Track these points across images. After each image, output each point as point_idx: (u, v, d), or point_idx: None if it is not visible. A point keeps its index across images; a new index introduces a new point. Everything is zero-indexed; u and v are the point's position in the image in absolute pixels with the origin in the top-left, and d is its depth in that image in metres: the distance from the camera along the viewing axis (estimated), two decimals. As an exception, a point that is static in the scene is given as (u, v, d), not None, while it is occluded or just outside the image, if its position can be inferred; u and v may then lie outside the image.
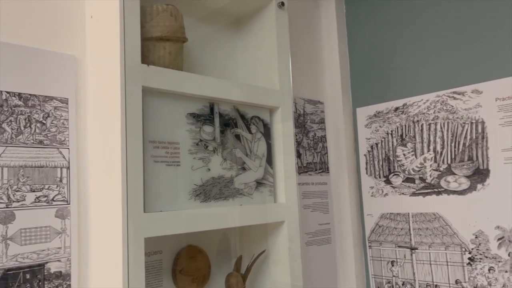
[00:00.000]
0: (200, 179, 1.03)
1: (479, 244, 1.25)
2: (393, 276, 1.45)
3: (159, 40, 1.00)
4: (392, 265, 1.46)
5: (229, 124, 1.12)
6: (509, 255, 1.19)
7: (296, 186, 1.23)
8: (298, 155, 1.46)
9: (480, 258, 1.25)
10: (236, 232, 1.27)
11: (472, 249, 1.27)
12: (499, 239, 1.22)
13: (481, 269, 1.25)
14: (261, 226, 1.23)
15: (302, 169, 1.47)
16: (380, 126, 1.51)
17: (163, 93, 0.98)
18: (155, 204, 0.94)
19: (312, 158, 1.51)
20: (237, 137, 1.13)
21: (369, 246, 1.52)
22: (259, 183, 1.16)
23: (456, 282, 1.30)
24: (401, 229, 1.43)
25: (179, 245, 1.11)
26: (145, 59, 0.99)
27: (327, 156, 1.57)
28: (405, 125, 1.44)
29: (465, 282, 1.28)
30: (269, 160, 1.20)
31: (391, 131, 1.48)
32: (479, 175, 1.26)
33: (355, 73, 1.60)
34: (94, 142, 0.97)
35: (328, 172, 1.57)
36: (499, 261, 1.21)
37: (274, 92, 1.20)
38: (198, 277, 1.10)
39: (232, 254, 1.24)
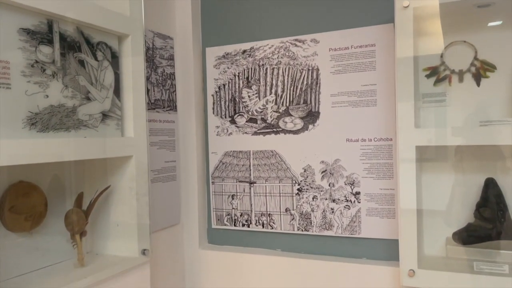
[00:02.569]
0: (37, 106, 0.91)
1: (307, 176, 1.44)
2: (233, 208, 1.57)
3: None
4: (233, 199, 1.57)
5: (72, 47, 1.00)
6: (329, 185, 1.40)
7: (146, 121, 1.19)
8: (146, 91, 1.41)
9: (307, 189, 1.44)
10: (77, 167, 1.18)
11: (301, 181, 1.45)
12: (322, 172, 1.41)
13: (306, 198, 1.44)
14: (106, 161, 1.17)
15: (150, 105, 1.43)
16: (228, 68, 1.56)
17: (-12, -1, 0.81)
18: (-20, 131, 0.80)
19: (160, 95, 1.48)
20: (81, 63, 1.03)
21: (212, 182, 1.60)
22: (105, 115, 1.09)
23: (286, 210, 1.47)
24: (243, 165, 1.54)
25: (7, 181, 0.98)
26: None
27: (175, 94, 1.55)
28: (251, 68, 1.52)
29: (293, 209, 1.46)
30: (117, 92, 1.13)
31: (238, 73, 1.54)
32: (311, 117, 1.43)
33: (206, 12, 1.59)
34: None
35: (176, 111, 1.56)
36: (321, 191, 1.42)
37: (123, 18, 1.12)
38: (32, 214, 1.00)
39: (73, 190, 1.15)
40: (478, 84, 1.20)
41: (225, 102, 1.57)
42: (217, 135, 1.59)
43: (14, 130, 0.86)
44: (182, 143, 1.59)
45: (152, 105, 1.44)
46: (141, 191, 1.16)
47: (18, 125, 0.87)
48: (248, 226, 1.54)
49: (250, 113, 1.52)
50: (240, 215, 1.55)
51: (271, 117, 1.49)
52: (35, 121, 0.90)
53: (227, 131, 1.56)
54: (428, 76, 1.26)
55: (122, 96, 1.15)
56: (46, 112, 0.93)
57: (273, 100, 1.48)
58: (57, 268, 1.05)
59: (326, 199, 1.41)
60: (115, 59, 1.12)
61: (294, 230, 1.46)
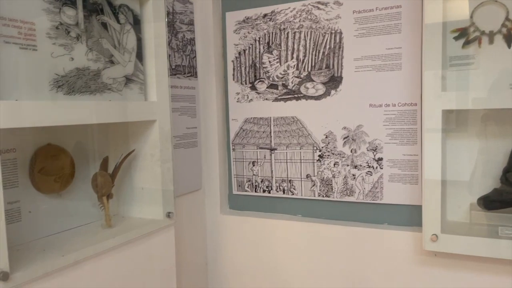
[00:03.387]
0: (63, 68, 0.92)
1: (328, 143, 1.43)
2: (253, 175, 1.58)
3: None
4: (253, 165, 1.57)
5: (94, 10, 0.99)
6: (351, 151, 1.40)
7: (168, 86, 1.19)
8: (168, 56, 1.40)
9: (328, 155, 1.43)
10: (102, 131, 1.19)
11: (322, 147, 1.44)
12: (344, 138, 1.40)
13: (328, 164, 1.44)
14: (130, 125, 1.18)
15: (171, 71, 1.42)
16: (248, 32, 1.53)
17: (12, -42, 0.80)
18: (10, 92, 0.81)
19: (181, 61, 1.47)
20: (104, 26, 1.02)
21: (233, 149, 1.61)
22: (128, 79, 1.09)
23: (307, 176, 1.47)
24: (263, 132, 1.54)
25: (36, 144, 1.00)
26: None
27: (195, 60, 1.54)
28: (272, 33, 1.49)
29: (314, 176, 1.46)
30: (139, 56, 1.13)
31: (259, 38, 1.51)
32: (334, 82, 1.40)
33: (226, -25, 1.56)
34: None
35: (196, 77, 1.55)
36: (343, 157, 1.41)
37: (145, -20, 1.10)
38: (61, 176, 1.02)
39: (98, 154, 1.17)
40: (509, 46, 1.16)
41: (245, 68, 1.55)
42: (237, 101, 1.58)
43: (41, 93, 0.87)
44: (202, 109, 1.59)
45: (173, 71, 1.43)
46: (164, 156, 1.18)
47: (45, 88, 0.88)
48: (269, 192, 1.55)
49: (270, 79, 1.51)
50: (261, 181, 1.56)
51: (292, 83, 1.47)
52: (62, 83, 0.91)
53: (248, 97, 1.55)
54: (456, 38, 1.22)
55: (144, 61, 1.15)
56: (72, 75, 0.93)
57: (294, 65, 1.46)
58: (85, 229, 1.08)
59: (348, 165, 1.40)
60: (137, 22, 1.11)
61: (314, 196, 1.47)
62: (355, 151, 1.39)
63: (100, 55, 1.00)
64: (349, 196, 1.41)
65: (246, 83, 1.55)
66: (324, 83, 1.42)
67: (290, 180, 1.51)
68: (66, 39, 0.92)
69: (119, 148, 1.19)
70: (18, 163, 0.96)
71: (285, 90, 1.48)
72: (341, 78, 1.39)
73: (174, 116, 1.44)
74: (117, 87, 1.05)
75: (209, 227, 1.63)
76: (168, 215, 1.17)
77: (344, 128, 1.40)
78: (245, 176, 1.60)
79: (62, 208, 1.06)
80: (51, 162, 1.00)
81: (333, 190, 1.43)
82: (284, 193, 1.52)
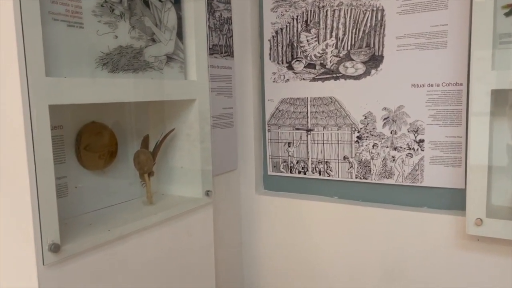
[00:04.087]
0: (107, 46, 0.92)
1: (367, 124, 1.40)
2: (289, 156, 1.57)
3: None
4: (289, 146, 1.56)
5: (137, -13, 0.99)
6: (391, 133, 1.36)
7: (207, 65, 1.19)
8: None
9: (367, 136, 1.41)
10: (142, 109, 1.21)
11: (361, 128, 1.41)
12: (384, 119, 1.37)
13: (366, 145, 1.41)
14: (169, 104, 1.19)
15: (208, 50, 1.42)
16: (286, 11, 1.50)
17: None
18: (58, 69, 0.82)
19: (218, 40, 1.46)
20: (146, 3, 1.02)
21: (268, 129, 1.60)
22: (169, 58, 1.09)
23: (344, 158, 1.45)
24: (299, 112, 1.52)
25: (81, 121, 1.02)
26: None
27: (232, 40, 1.53)
28: (311, 11, 1.46)
29: (351, 157, 1.44)
30: (179, 35, 1.12)
31: (297, 16, 1.48)
32: (374, 61, 1.37)
33: (264, -48, 1.53)
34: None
35: (233, 57, 1.54)
36: (382, 138, 1.38)
37: (186, -43, 1.09)
38: (105, 153, 1.04)
39: (138, 132, 1.19)
40: None
41: (282, 47, 1.53)
42: (273, 81, 1.56)
43: (88, 70, 0.88)
44: (239, 89, 1.58)
45: (210, 51, 1.43)
46: (203, 136, 1.18)
47: (91, 65, 0.89)
48: (305, 174, 1.54)
49: (308, 58, 1.48)
50: (296, 163, 1.55)
51: (330, 62, 1.44)
52: (106, 61, 0.92)
53: (284, 77, 1.54)
54: (507, 15, 1.15)
55: (184, 40, 1.14)
56: (116, 53, 0.94)
57: (333, 44, 1.43)
58: (128, 206, 1.10)
59: (387, 147, 1.37)
60: (177, 2, 1.11)
61: (352, 178, 1.45)
62: (395, 133, 1.36)
63: (142, 33, 1.01)
64: (387, 178, 1.39)
65: (282, 63, 1.53)
66: (364, 62, 1.38)
67: (326, 162, 1.49)
68: (110, 17, 0.93)
69: (159, 127, 1.20)
70: (64, 139, 0.98)
71: (323, 70, 1.46)
72: (382, 57, 1.35)
73: (211, 96, 1.44)
74: (158, 66, 1.06)
75: (244, 207, 1.64)
76: (207, 193, 1.18)
77: (384, 108, 1.37)
78: (280, 157, 1.59)
79: (106, 184, 1.08)
80: (95, 139, 1.02)
81: (371, 172, 1.41)
82: (320, 174, 1.51)
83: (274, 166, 1.61)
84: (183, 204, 1.13)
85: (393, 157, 1.37)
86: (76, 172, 1.01)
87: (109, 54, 0.92)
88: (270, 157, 1.61)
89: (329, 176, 1.49)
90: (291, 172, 1.58)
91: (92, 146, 1.01)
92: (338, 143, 1.46)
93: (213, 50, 1.44)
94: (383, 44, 1.35)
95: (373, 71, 1.37)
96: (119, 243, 0.92)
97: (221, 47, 1.48)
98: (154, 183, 1.24)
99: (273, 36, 1.54)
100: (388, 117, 1.36)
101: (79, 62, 0.86)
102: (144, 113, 1.20)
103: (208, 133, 1.20)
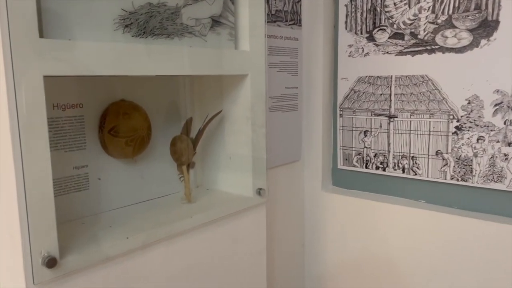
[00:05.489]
0: (131, 3, 0.72)
1: (471, 110, 1.08)
2: (365, 147, 1.29)
3: None
4: (365, 136, 1.28)
5: None
6: (504, 123, 1.03)
7: (265, 33, 0.95)
8: (266, -2, 1.15)
9: (470, 127, 1.08)
10: (185, 86, 1.00)
11: (462, 116, 1.09)
12: (496, 105, 1.04)
13: (468, 139, 1.09)
14: (216, 80, 0.97)
15: (270, 17, 1.18)
16: (368, -33, 1.21)
17: None
18: (60, 29, 0.63)
19: (283, 6, 1.21)
20: (186, -50, 0.80)
21: (340, 114, 1.33)
22: (215, 22, 0.87)
23: (437, 153, 1.15)
24: (381, 94, 1.23)
25: (107, 99, 0.84)
26: None
27: (300, 5, 1.27)
28: (401, -35, 1.15)
29: (447, 153, 1.13)
30: (230, -8, 0.89)
31: (382, -27, 1.18)
32: (486, 28, 1.03)
33: None
34: None
35: (300, 26, 1.29)
36: (491, 130, 1.05)
37: None
38: (134, 139, 0.85)
39: (179, 114, 0.99)
40: None
41: (362, 13, 1.24)
42: (349, 56, 1.28)
43: (103, 32, 0.68)
44: (306, 65, 1.32)
45: (272, 17, 1.18)
46: (257, 119, 0.95)
47: (109, 26, 0.69)
48: (384, 170, 1.26)
49: (395, 26, 1.18)
50: (374, 156, 1.27)
51: (424, 31, 1.13)
52: (130, 22, 0.72)
53: (363, 50, 1.25)
54: None
55: (236, 0, 0.91)
56: (143, 12, 0.74)
57: (429, 8, 1.11)
58: (161, 202, 0.92)
59: (498, 141, 1.04)
60: None
61: (445, 179, 1.14)
62: (511, 123, 1.02)
63: (180, -12, 0.79)
64: (496, 182, 1.06)
65: (361, 33, 1.25)
66: (471, 30, 1.06)
67: (412, 157, 1.19)
68: (136, -36, 0.72)
69: (204, 107, 1.00)
70: (85, 121, 0.81)
71: (413, 41, 1.15)
72: (496, 22, 1.01)
73: (271, 72, 1.20)
74: (200, 31, 0.84)
75: (307, 205, 1.40)
76: (259, 192, 0.96)
77: (497, 91, 1.03)
78: (353, 148, 1.32)
79: (136, 176, 0.90)
80: (123, 122, 0.84)
81: (473, 173, 1.09)
82: (403, 172, 1.22)
83: (346, 159, 1.34)
84: (228, 203, 0.91)
85: (505, 155, 1.04)
86: (100, 161, 0.84)
87: (134, 13, 0.72)
88: (341, 147, 1.34)
89: (416, 174, 1.19)
90: (366, 167, 1.30)
91: (119, 130, 0.83)
92: (429, 134, 1.16)
93: (276, 17, 1.19)
94: (499, 4, 1.01)
95: (483, 41, 1.04)
96: (140, 253, 0.73)
97: (286, 13, 1.23)
98: (198, 174, 1.04)
99: (350, 0, 1.25)
100: (501, 103, 1.03)
101: (92, 21, 0.67)
102: (185, 90, 1.00)
103: (263, 117, 0.97)
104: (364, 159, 1.30)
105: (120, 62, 0.69)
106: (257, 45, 0.94)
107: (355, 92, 1.29)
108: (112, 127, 0.82)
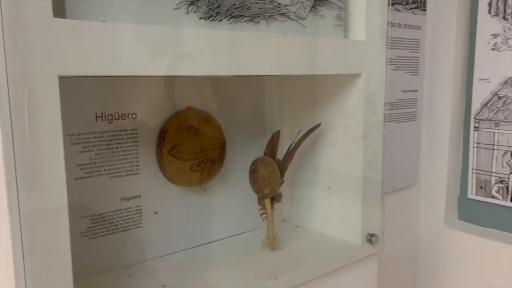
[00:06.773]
0: (200, -29, 0.49)
1: None
2: (511, 172, 0.95)
3: None
4: (511, 157, 0.95)
5: None
6: None
7: (388, 15, 0.68)
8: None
9: None
10: (271, 88, 0.77)
11: None
12: None
13: None
14: (311, 80, 0.72)
15: (386, -2, 0.90)
16: None
17: None
18: (90, 5, 0.42)
19: (403, -17, 0.92)
20: None
21: (476, 127, 1.00)
22: (317, 1, 0.61)
23: None
24: (541, 102, 0.89)
25: (168, 107, 0.63)
26: None
27: (425, -18, 0.97)
28: None
29: None
30: (339, -40, 0.63)
31: None
32: None
33: None
34: None
35: (425, 10, 0.99)
36: None
37: None
38: (202, 161, 0.63)
39: (263, 127, 0.75)
40: None
41: (516, -10, 0.90)
42: (492, 49, 0.95)
43: (164, 14, 0.47)
44: (430, 62, 1.02)
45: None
46: (371, 133, 0.68)
47: (166, 6, 0.47)
48: (540, 207, 0.91)
49: None
50: (525, 186, 0.93)
51: None
52: (196, 0, 0.49)
53: (515, 42, 0.91)
54: None
55: (347, -30, 0.65)
56: (217, -15, 0.51)
57: None
58: (236, 247, 0.69)
59: None
60: None
61: None
62: None
63: (270, -50, 0.55)
64: None
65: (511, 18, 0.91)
66: None
67: None
68: None
69: (295, 118, 0.75)
70: (139, 137, 0.60)
71: None
72: None
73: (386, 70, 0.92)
74: (298, 12, 0.59)
75: (423, 245, 1.09)
76: (370, 239, 0.69)
77: None
78: (493, 173, 0.98)
79: (204, 209, 0.68)
80: (188, 138, 0.62)
81: None
82: None
83: (481, 186, 1.01)
84: (328, 255, 0.66)
85: None
86: (157, 190, 0.63)
87: (204, -13, 0.49)
88: (474, 171, 1.02)
89: None
90: (511, 200, 0.96)
91: (183, 149, 0.61)
92: None
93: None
94: None
95: None
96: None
97: (407, -6, 0.94)
98: (286, 204, 0.80)
99: (499, -28, 0.92)
100: None
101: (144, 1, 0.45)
102: (271, 95, 0.76)
103: (380, 131, 0.70)
104: (509, 188, 0.96)
105: (183, 56, 0.46)
106: (375, 33, 0.66)
107: (499, 98, 0.95)
108: (174, 146, 0.61)
